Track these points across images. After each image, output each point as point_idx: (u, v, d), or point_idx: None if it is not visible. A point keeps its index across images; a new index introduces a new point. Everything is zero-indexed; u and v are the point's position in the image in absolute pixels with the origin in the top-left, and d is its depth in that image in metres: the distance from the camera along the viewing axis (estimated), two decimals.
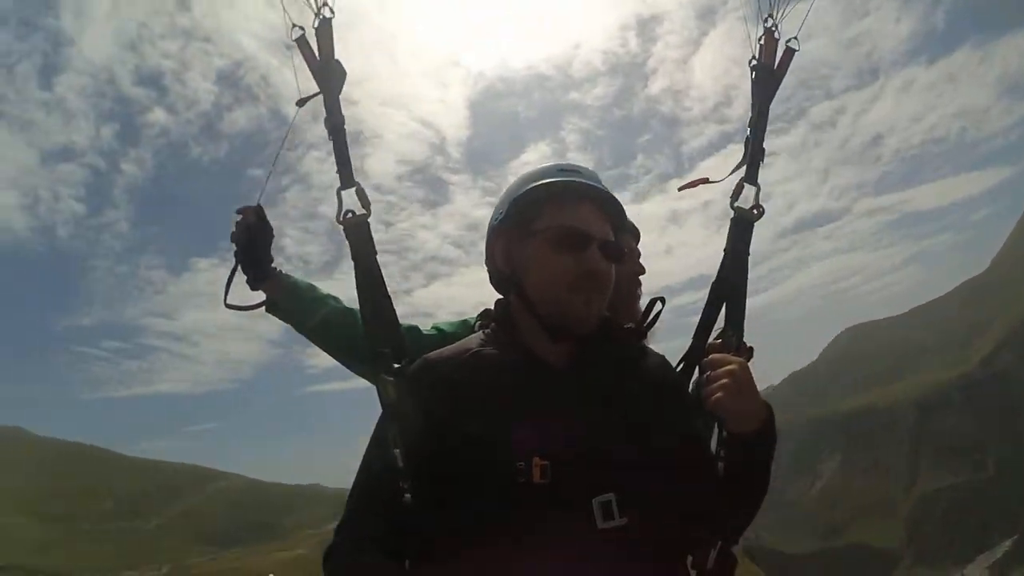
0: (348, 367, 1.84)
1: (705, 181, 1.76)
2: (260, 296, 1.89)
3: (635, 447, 1.27)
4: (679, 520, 1.29)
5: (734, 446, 1.38)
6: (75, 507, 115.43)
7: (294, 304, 1.87)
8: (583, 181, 1.40)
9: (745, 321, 1.66)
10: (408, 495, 1.25)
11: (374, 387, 1.43)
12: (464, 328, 1.81)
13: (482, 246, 1.53)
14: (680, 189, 1.81)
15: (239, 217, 1.81)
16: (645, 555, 1.23)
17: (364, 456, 1.38)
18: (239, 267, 1.84)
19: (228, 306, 1.88)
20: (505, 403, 1.28)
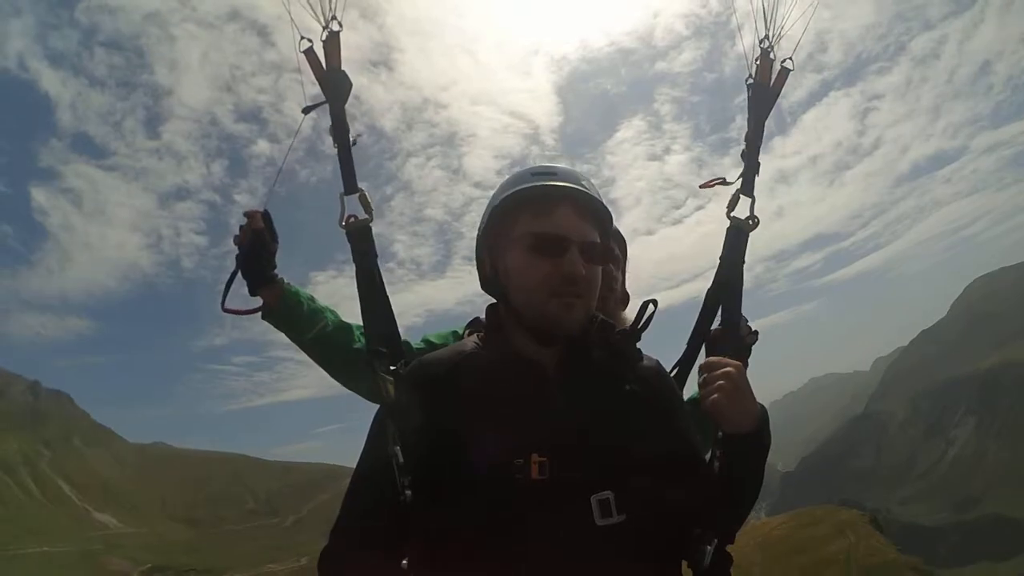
0: (341, 382, 1.88)
1: (722, 182, 1.80)
2: (259, 302, 1.88)
3: (633, 447, 1.29)
4: (676, 519, 1.32)
5: (729, 447, 1.41)
6: (219, 510, 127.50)
7: (291, 313, 1.87)
8: (558, 183, 1.38)
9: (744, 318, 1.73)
10: (408, 491, 1.24)
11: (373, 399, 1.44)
12: (453, 338, 1.85)
13: None
14: (701, 187, 1.87)
15: (245, 220, 1.82)
16: (642, 553, 1.25)
17: (361, 456, 1.37)
18: (239, 271, 1.82)
19: (225, 310, 1.86)
20: (501, 402, 1.29)
